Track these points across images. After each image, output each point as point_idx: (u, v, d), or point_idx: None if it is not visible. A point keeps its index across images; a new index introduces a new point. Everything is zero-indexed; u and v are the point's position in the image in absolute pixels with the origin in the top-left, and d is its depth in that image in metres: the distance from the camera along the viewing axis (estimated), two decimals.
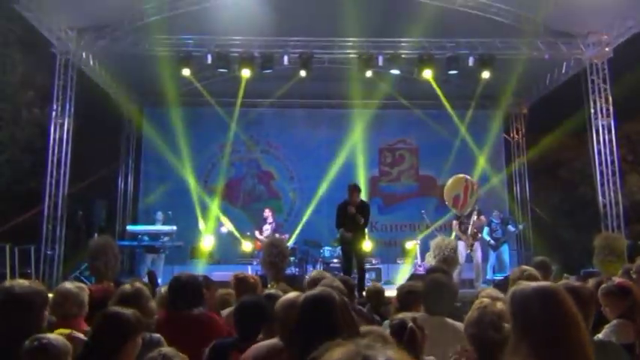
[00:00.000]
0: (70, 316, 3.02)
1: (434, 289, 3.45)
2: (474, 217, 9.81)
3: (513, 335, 1.88)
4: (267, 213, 11.72)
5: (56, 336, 2.36)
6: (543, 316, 1.83)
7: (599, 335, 3.20)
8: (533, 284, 1.96)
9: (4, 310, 2.69)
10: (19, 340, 2.36)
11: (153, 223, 11.60)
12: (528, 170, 15.04)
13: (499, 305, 2.44)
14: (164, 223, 11.40)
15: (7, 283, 2.86)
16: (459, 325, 3.18)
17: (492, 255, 11.06)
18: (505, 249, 11.17)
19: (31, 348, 2.25)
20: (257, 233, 11.58)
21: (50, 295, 3.03)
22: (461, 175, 10.12)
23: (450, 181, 10.25)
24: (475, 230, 9.78)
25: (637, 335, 3.13)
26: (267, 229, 11.31)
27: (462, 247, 9.32)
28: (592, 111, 11.45)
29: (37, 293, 2.80)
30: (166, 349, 2.34)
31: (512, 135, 15.34)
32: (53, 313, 3.09)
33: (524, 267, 4.41)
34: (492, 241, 11.00)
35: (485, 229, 11.06)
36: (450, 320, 3.27)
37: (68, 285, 3.34)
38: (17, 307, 2.67)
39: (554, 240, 14.10)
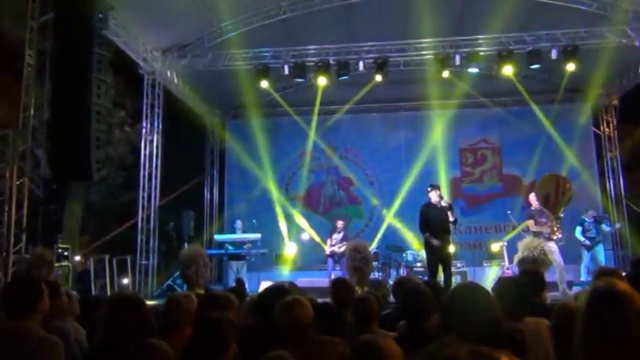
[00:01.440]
0: (180, 324, 3.17)
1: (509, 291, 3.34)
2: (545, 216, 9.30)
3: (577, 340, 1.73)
4: (340, 225, 11.56)
5: (159, 341, 2.51)
6: (604, 321, 1.67)
7: None
8: (600, 285, 1.78)
9: (108, 315, 2.96)
10: (124, 341, 2.56)
11: (234, 231, 11.94)
12: (622, 164, 14.18)
13: None
14: (244, 231, 11.69)
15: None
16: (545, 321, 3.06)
17: (586, 255, 10.50)
18: (600, 249, 10.58)
19: (136, 351, 2.41)
20: (328, 241, 11.46)
21: (149, 303, 3.22)
22: (551, 174, 9.67)
23: (540, 180, 9.83)
24: (554, 224, 9.18)
25: None
26: (337, 237, 11.21)
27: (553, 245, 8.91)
28: None
29: (133, 300, 3.07)
30: (280, 352, 2.41)
31: (602, 128, 14.53)
32: (164, 321, 3.28)
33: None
34: (587, 241, 10.46)
35: (578, 229, 10.53)
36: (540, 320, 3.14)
37: (178, 294, 3.52)
38: (116, 312, 2.94)
39: None
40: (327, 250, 11.20)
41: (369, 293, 3.89)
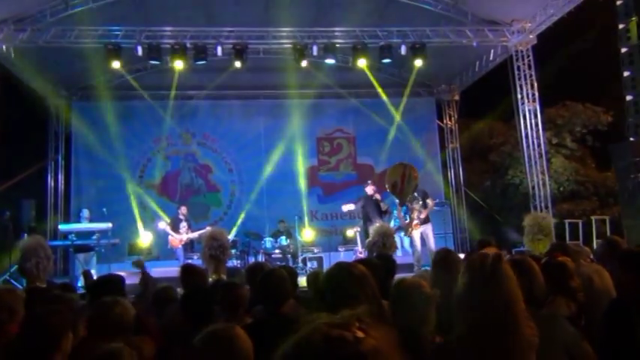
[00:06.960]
0: (3, 323, 2.79)
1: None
2: (415, 203, 9.86)
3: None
4: (184, 211, 11.18)
5: None
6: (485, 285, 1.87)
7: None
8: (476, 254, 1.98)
9: None
10: None
11: (80, 221, 11.11)
12: (461, 155, 15.53)
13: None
14: (92, 221, 10.96)
15: None
16: None
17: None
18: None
19: None
20: (168, 228, 10.91)
21: None
22: (399, 163, 10.23)
23: (389, 169, 10.37)
24: (414, 216, 9.76)
25: (578, 309, 3.18)
26: (184, 226, 10.90)
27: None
28: (519, 96, 11.91)
29: None
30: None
31: (445, 121, 15.75)
32: None
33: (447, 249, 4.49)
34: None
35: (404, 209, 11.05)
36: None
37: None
38: None
39: (487, 221, 14.68)
40: (183, 238, 10.74)
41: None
